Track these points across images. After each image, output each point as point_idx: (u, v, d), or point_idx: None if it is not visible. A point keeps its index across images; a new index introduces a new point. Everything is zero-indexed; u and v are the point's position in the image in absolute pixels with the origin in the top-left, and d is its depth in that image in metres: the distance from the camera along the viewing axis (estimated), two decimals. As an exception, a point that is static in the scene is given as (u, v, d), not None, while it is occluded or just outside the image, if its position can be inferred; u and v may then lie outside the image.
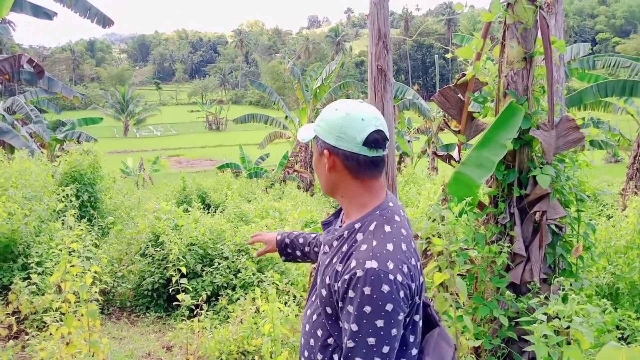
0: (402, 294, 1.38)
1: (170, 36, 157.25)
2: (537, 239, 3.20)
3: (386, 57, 2.96)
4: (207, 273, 5.82)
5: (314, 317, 1.59)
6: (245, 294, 5.26)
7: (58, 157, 8.63)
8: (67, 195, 6.45)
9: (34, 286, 4.91)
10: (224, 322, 4.95)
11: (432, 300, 3.24)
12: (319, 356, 1.54)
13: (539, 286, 3.09)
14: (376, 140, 1.48)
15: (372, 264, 1.37)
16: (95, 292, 3.24)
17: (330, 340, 1.53)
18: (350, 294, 1.38)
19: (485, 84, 3.50)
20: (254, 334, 4.13)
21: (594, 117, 13.44)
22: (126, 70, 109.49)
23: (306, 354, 1.59)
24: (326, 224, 1.76)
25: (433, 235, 2.59)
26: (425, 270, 2.61)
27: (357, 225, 1.52)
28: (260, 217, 8.19)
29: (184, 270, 4.14)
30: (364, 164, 1.50)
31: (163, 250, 5.88)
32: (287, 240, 2.18)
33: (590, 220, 3.82)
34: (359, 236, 1.48)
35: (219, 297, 5.54)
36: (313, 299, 1.65)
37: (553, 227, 3.25)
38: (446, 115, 3.67)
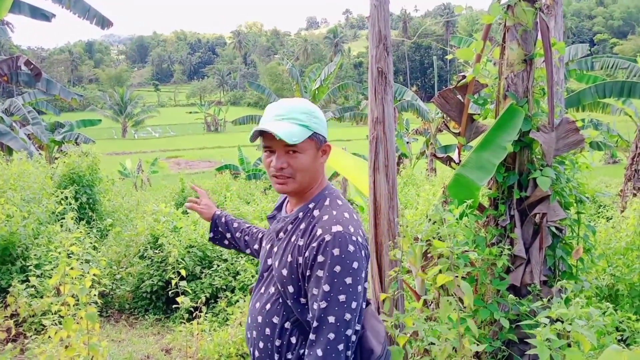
0: (363, 253, 1.56)
1: (168, 37, 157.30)
2: (537, 241, 3.20)
3: (387, 59, 2.95)
4: (206, 275, 5.81)
5: (268, 306, 1.67)
6: (245, 296, 5.24)
7: (56, 159, 8.61)
8: (66, 197, 6.44)
9: (33, 289, 4.90)
10: (223, 325, 4.95)
11: (432, 302, 3.24)
12: (277, 342, 1.62)
13: (539, 288, 3.09)
14: None
15: (337, 227, 1.53)
16: (95, 295, 3.23)
17: (287, 325, 1.62)
18: (320, 258, 1.51)
19: (485, 86, 3.49)
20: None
21: (593, 118, 13.47)
22: (124, 72, 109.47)
23: (261, 345, 1.66)
24: (271, 218, 1.86)
25: (434, 238, 2.58)
26: (426, 272, 2.60)
27: (311, 205, 1.66)
28: (259, 218, 8.18)
29: (183, 272, 4.13)
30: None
31: (162, 252, 5.86)
32: (224, 219, 2.21)
33: (589, 221, 3.82)
34: (316, 212, 1.63)
35: (218, 300, 5.53)
36: (262, 290, 1.73)
37: (553, 229, 3.24)
38: (445, 116, 3.67)
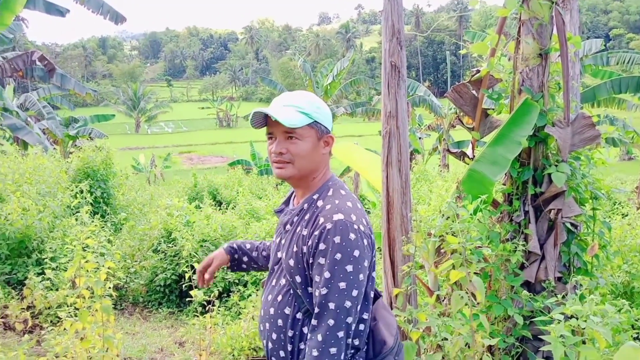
0: (365, 241, 1.57)
1: (181, 33, 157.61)
2: (552, 237, 3.17)
3: (400, 53, 2.93)
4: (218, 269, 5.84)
5: (279, 297, 1.69)
6: (257, 290, 5.27)
7: (71, 153, 8.70)
8: (81, 191, 6.50)
9: (48, 281, 4.96)
10: (236, 318, 4.98)
11: (445, 298, 3.23)
12: (290, 332, 1.64)
13: (554, 285, 3.06)
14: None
15: (338, 216, 1.56)
16: (109, 287, 3.27)
17: (299, 315, 1.64)
18: (321, 246, 1.54)
19: (500, 81, 3.46)
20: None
21: (609, 114, 13.30)
22: (137, 67, 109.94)
23: (274, 336, 1.68)
24: (279, 212, 1.88)
25: (447, 233, 2.57)
26: (439, 268, 2.60)
27: (315, 196, 1.69)
28: (271, 213, 8.20)
29: (196, 266, 4.15)
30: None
31: (175, 246, 5.91)
32: (235, 246, 2.14)
33: (605, 218, 3.77)
34: (319, 202, 1.66)
35: (230, 294, 5.56)
36: (273, 283, 1.75)
37: (568, 225, 3.21)
38: (459, 112, 3.64)
